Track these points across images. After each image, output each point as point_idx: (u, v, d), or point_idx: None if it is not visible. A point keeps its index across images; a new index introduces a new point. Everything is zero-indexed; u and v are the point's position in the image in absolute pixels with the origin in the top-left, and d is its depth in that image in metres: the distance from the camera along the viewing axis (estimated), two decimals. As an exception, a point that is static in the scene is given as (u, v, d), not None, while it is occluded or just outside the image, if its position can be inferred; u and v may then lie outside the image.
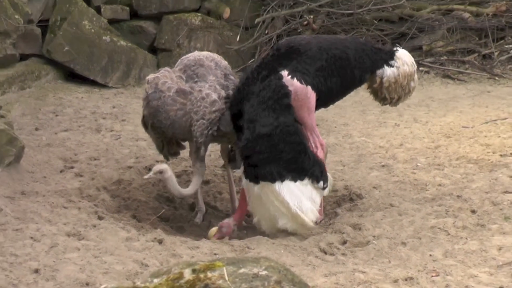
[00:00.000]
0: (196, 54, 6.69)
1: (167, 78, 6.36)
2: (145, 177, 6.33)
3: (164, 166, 6.23)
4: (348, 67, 6.20)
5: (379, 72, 6.36)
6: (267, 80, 6.01)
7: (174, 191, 6.27)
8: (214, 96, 6.21)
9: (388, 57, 6.39)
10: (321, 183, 5.94)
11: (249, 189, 5.95)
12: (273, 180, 5.82)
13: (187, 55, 6.75)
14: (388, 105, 6.69)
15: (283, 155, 5.85)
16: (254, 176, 5.88)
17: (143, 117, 6.57)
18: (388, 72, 6.36)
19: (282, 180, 5.83)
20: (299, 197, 5.87)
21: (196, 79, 6.37)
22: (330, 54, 6.17)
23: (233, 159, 6.69)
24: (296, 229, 5.90)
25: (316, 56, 6.15)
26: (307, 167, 5.90)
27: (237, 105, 6.10)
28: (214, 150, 7.84)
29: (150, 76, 6.53)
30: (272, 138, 5.84)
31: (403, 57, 6.45)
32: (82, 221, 5.92)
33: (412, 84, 6.51)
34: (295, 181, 5.86)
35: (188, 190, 6.32)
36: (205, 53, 6.74)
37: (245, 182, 5.97)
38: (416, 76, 6.57)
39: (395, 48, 6.57)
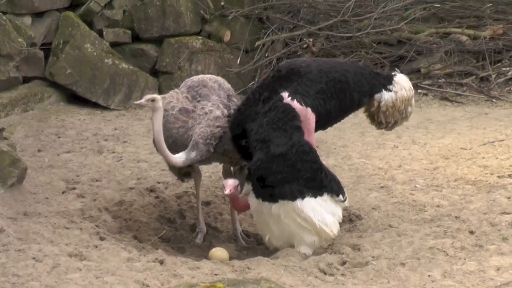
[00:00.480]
0: (200, 76, 6.78)
1: (173, 98, 6.43)
2: (136, 102, 6.25)
3: (157, 96, 6.21)
4: (347, 90, 6.25)
5: (377, 96, 6.41)
6: (270, 101, 6.06)
7: (157, 126, 6.16)
8: (218, 112, 6.28)
9: (386, 82, 6.44)
10: (341, 196, 6.01)
11: (262, 209, 5.96)
12: (293, 198, 5.85)
13: (191, 77, 6.82)
14: (383, 129, 6.73)
15: (301, 174, 5.88)
16: (271, 195, 5.89)
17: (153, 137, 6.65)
18: (386, 96, 6.41)
19: (303, 198, 5.85)
20: (321, 212, 5.90)
21: (199, 99, 6.44)
22: (330, 77, 6.22)
23: None
24: (320, 244, 5.97)
25: (316, 79, 6.20)
26: (325, 183, 5.95)
27: (238, 126, 6.16)
28: (215, 171, 7.90)
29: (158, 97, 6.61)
30: (289, 158, 5.87)
31: (401, 82, 6.50)
32: (84, 241, 5.95)
33: (409, 109, 6.55)
34: (316, 197, 5.89)
35: (170, 155, 6.21)
36: (209, 75, 6.83)
37: (255, 201, 5.98)
38: (413, 101, 6.60)
39: (393, 73, 6.62)
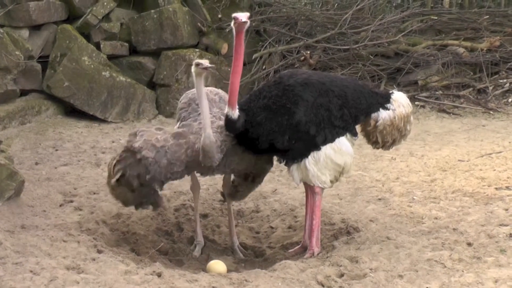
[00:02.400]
0: None
1: (151, 135, 6.15)
2: (207, 66, 6.02)
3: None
4: (345, 105, 6.27)
5: (374, 115, 6.42)
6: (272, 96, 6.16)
7: (200, 92, 6.03)
8: (221, 122, 6.21)
9: (384, 101, 6.45)
10: (356, 137, 6.41)
11: (309, 160, 6.19)
12: (332, 140, 6.24)
13: (191, 90, 6.77)
14: (380, 149, 6.72)
15: (334, 114, 6.21)
16: (315, 145, 6.18)
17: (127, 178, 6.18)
18: (383, 115, 6.41)
19: (339, 137, 6.26)
20: (348, 146, 6.34)
21: (200, 112, 6.39)
22: (330, 91, 6.25)
23: (234, 193, 6.68)
24: (345, 173, 6.45)
25: None
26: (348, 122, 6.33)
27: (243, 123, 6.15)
28: (212, 183, 7.90)
29: (137, 144, 6.11)
30: (320, 103, 6.17)
31: (399, 99, 6.51)
32: (82, 254, 5.94)
33: (408, 126, 6.55)
34: (343, 135, 6.31)
35: (210, 128, 6.02)
36: (209, 88, 6.78)
37: (300, 165, 6.22)
38: (412, 118, 6.62)
39: (391, 91, 6.65)
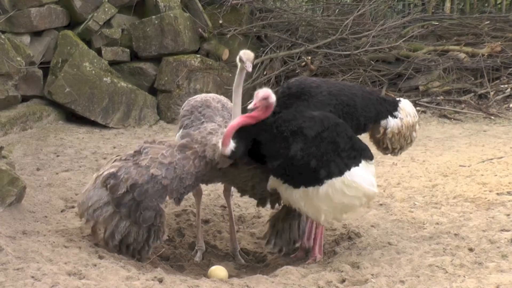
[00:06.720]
0: (203, 96, 6.69)
1: (157, 152, 6.07)
2: (249, 66, 5.95)
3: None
4: (354, 114, 6.24)
5: (383, 122, 6.40)
6: (280, 113, 6.01)
7: (238, 84, 6.02)
8: (224, 130, 6.11)
9: (392, 108, 6.44)
10: (373, 160, 6.05)
11: (307, 195, 5.90)
12: (341, 173, 5.87)
13: (194, 97, 6.72)
14: (389, 155, 6.71)
15: (341, 146, 5.88)
16: (316, 178, 5.84)
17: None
18: (392, 123, 6.40)
19: (350, 169, 5.89)
20: (366, 176, 5.95)
21: (203, 120, 6.35)
22: (339, 100, 6.18)
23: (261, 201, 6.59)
24: (368, 203, 6.16)
25: (325, 101, 6.14)
26: (362, 148, 6.00)
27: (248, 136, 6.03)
28: (213, 189, 7.90)
29: (144, 162, 6.02)
30: (325, 136, 5.86)
31: (406, 108, 6.51)
32: (83, 260, 5.92)
33: (414, 134, 6.56)
34: (358, 165, 5.93)
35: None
36: (212, 94, 6.73)
37: (296, 192, 5.92)
38: (417, 127, 6.62)
39: (398, 99, 6.64)
